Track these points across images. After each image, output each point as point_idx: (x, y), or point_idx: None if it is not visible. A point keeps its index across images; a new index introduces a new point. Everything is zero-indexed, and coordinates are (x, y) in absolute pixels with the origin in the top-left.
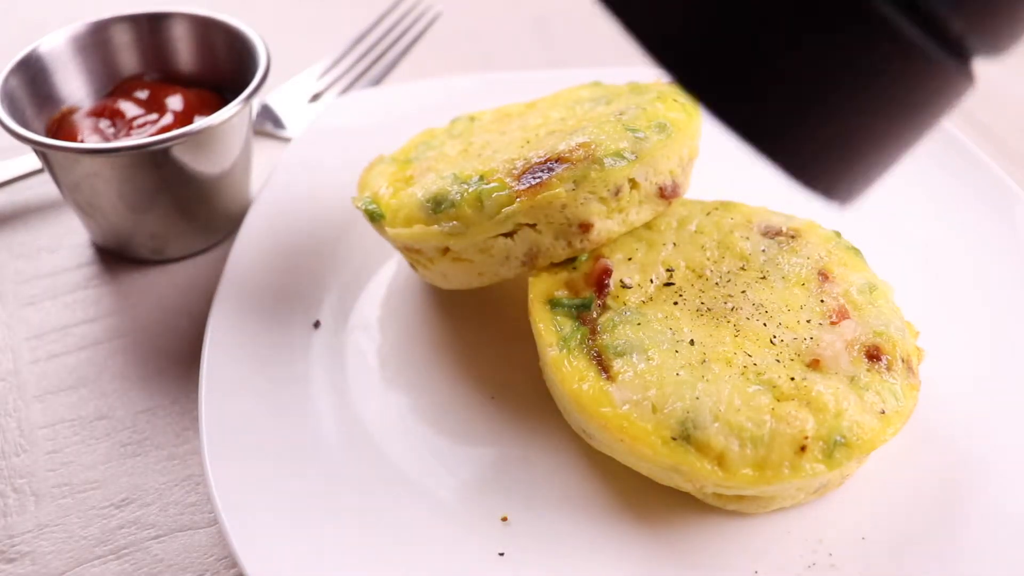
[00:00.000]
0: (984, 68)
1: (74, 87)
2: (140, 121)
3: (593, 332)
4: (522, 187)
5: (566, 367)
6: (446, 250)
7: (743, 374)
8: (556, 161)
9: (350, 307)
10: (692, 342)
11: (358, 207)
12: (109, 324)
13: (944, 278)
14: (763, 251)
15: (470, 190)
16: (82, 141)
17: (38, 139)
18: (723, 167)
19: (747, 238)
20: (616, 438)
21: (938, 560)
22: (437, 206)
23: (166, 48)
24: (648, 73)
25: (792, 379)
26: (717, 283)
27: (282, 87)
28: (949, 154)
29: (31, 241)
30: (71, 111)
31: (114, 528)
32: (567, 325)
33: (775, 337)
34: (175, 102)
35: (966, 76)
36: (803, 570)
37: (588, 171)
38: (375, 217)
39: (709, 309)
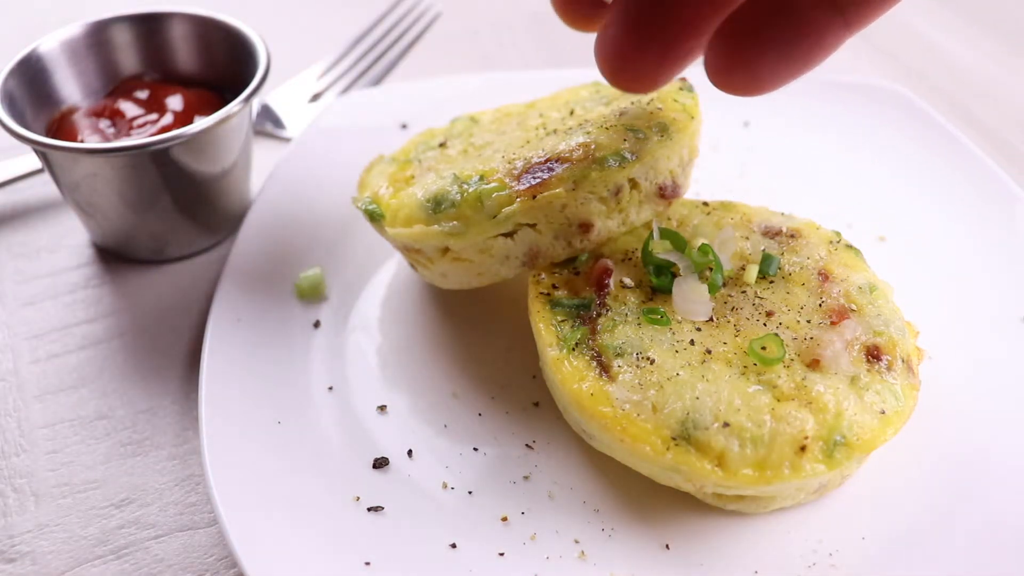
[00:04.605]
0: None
1: (74, 87)
2: (140, 121)
3: (593, 332)
4: (522, 187)
5: (566, 367)
6: (446, 250)
7: (743, 374)
8: (556, 161)
9: (350, 307)
10: (692, 342)
11: (358, 207)
12: (109, 324)
13: (944, 278)
14: (763, 251)
15: (470, 190)
16: (82, 141)
17: (38, 139)
18: (723, 167)
19: (747, 238)
20: (616, 438)
21: (938, 560)
22: (437, 206)
23: (166, 48)
24: None
25: (792, 379)
26: None
27: (282, 87)
28: (949, 154)
29: (31, 241)
30: (71, 111)
31: (114, 528)
32: (567, 325)
33: None
34: (175, 102)
35: None
36: (803, 570)
37: (588, 171)
38: (375, 217)
39: None
